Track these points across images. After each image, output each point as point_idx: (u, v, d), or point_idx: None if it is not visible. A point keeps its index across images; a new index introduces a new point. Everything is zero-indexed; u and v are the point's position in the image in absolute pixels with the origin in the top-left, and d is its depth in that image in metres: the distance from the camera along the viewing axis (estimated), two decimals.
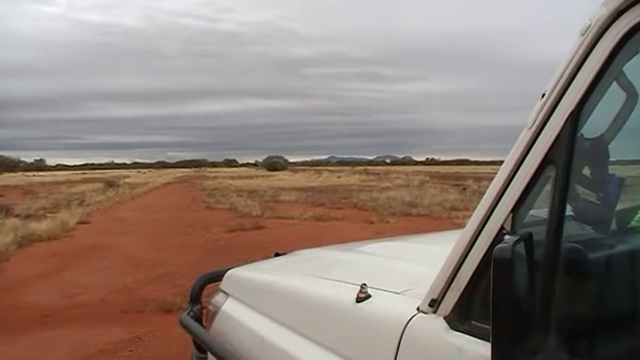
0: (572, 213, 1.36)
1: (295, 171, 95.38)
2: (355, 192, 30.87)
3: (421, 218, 18.20)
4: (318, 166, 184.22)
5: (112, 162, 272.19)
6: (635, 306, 1.41)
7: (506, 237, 1.29)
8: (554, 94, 1.28)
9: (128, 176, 78.27)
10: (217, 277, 3.01)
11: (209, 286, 3.07)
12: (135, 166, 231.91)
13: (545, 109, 1.30)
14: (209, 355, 2.68)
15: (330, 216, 18.68)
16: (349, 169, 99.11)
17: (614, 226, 1.60)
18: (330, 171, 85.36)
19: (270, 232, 14.68)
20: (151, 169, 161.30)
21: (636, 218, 1.71)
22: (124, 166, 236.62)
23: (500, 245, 1.20)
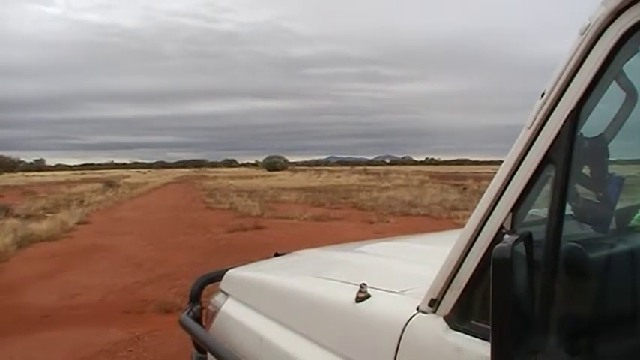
0: (571, 212, 1.36)
1: (295, 171, 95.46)
2: (355, 192, 30.89)
3: (421, 218, 18.22)
4: (317, 166, 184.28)
5: (112, 162, 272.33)
6: (635, 305, 1.41)
7: (506, 236, 1.29)
8: (553, 94, 1.28)
9: (128, 176, 78.35)
10: (217, 277, 3.01)
11: (209, 286, 3.07)
12: (135, 166, 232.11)
13: (544, 108, 1.29)
14: (209, 355, 2.68)
15: (329, 216, 18.69)
16: (349, 169, 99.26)
17: (613, 225, 1.60)
18: (330, 171, 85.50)
19: (269, 233, 14.68)
20: (151, 170, 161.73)
21: (636, 217, 1.71)
22: (123, 166, 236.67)
23: (499, 245, 1.20)
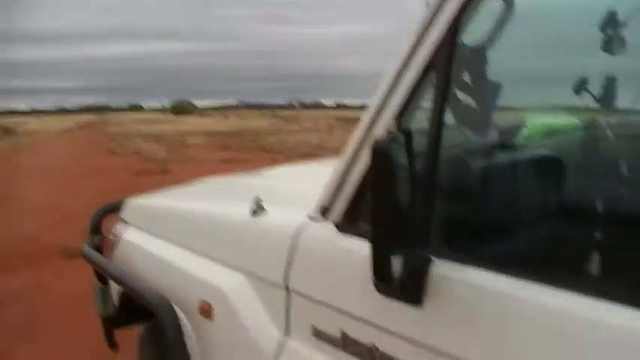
0: (453, 120, 1.42)
1: (203, 115, 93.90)
2: (263, 135, 30.76)
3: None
4: (226, 109, 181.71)
5: (7, 109, 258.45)
6: (510, 208, 1.49)
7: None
8: (437, 2, 1.32)
9: (27, 123, 74.71)
10: (117, 207, 2.97)
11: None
12: (33, 112, 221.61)
13: (427, 17, 1.33)
14: (112, 284, 2.67)
15: (237, 158, 18.55)
16: (258, 112, 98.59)
17: (496, 136, 1.67)
18: (238, 115, 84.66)
19: (177, 176, 14.40)
20: (51, 116, 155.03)
21: (530, 129, 1.80)
22: (21, 113, 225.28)
23: (379, 138, 1.22)
